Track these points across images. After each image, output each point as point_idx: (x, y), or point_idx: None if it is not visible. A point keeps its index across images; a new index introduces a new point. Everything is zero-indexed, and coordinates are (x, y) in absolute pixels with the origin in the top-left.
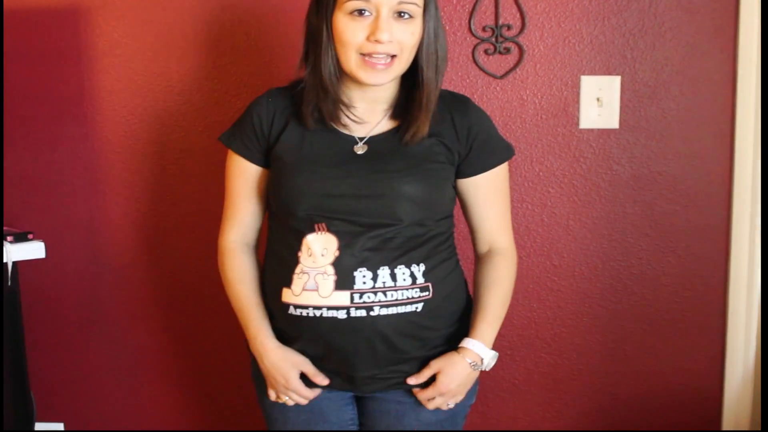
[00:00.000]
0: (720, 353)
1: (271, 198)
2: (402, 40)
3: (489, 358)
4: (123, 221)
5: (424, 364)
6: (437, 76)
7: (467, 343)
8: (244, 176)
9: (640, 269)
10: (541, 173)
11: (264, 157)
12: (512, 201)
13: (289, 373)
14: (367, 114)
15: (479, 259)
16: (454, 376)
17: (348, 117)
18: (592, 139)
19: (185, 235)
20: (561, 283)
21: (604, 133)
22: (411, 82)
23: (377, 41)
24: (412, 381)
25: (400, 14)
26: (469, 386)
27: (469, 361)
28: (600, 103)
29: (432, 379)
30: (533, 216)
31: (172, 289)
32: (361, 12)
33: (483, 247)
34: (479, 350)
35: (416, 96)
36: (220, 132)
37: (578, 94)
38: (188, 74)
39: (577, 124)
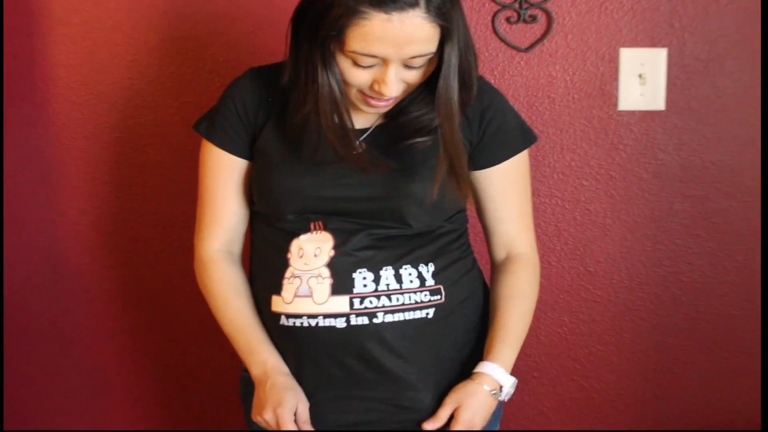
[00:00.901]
0: None
1: (256, 197)
2: (410, 81)
3: (509, 385)
4: (81, 220)
5: (436, 392)
6: (465, 92)
7: (485, 367)
8: (227, 171)
9: (691, 276)
10: (573, 163)
11: (249, 149)
12: (539, 196)
13: (285, 396)
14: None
15: (496, 268)
16: (477, 408)
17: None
18: (633, 122)
19: (155, 235)
20: (597, 292)
21: (647, 116)
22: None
23: (381, 94)
24: (429, 426)
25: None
26: (488, 418)
27: (489, 389)
28: (643, 80)
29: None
30: (564, 214)
31: (143, 298)
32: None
33: (500, 253)
34: (499, 376)
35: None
36: (193, 114)
37: (617, 70)
38: (157, 47)
39: (616, 105)
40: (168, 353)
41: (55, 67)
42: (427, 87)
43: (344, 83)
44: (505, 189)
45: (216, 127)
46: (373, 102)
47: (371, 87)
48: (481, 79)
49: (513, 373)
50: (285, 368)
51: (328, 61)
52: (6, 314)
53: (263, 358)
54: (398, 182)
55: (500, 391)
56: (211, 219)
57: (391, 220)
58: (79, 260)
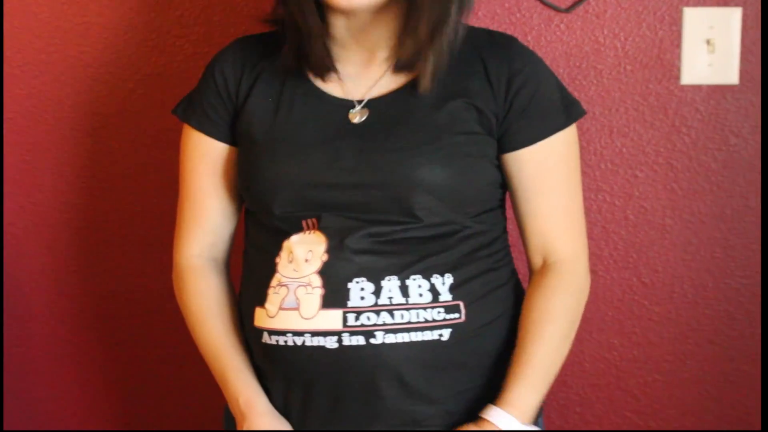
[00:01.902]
0: None
1: (242, 190)
2: None
3: None
4: (29, 227)
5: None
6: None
7: (490, 414)
8: (208, 159)
9: None
10: (624, 150)
11: (232, 130)
12: (583, 190)
13: None
14: (364, 64)
15: (530, 280)
16: None
17: (333, 65)
18: (699, 99)
19: (120, 241)
20: (654, 309)
21: (716, 92)
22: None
23: None
24: None
25: None
26: None
27: None
28: (711, 47)
29: None
30: (614, 212)
31: (108, 325)
32: None
33: (535, 259)
34: (507, 425)
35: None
36: (157, 90)
37: (680, 34)
38: (115, 6)
39: (678, 78)
40: (144, 372)
41: None
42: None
43: None
44: (540, 176)
45: (195, 107)
46: None
47: None
48: (513, 40)
49: (549, 407)
50: (262, 404)
51: None
52: None
53: (236, 391)
54: (404, 163)
55: None
56: (190, 218)
57: (396, 213)
58: (30, 273)
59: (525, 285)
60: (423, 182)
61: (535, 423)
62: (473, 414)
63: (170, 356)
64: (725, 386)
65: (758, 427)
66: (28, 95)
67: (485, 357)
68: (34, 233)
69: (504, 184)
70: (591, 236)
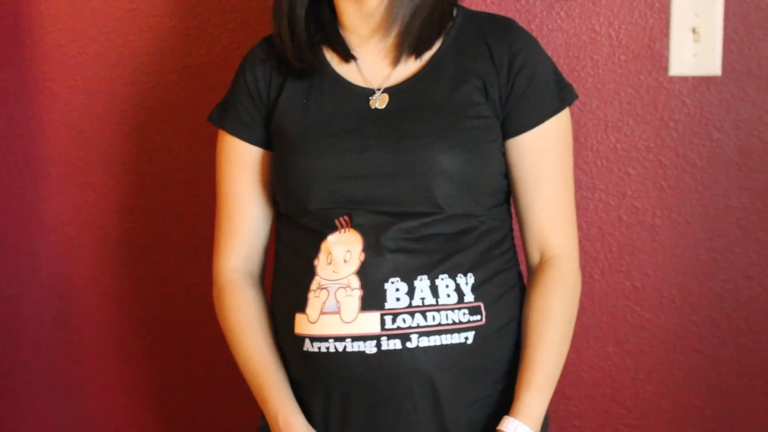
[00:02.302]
0: None
1: (278, 192)
2: None
3: None
4: (71, 219)
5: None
6: None
7: (507, 425)
8: (242, 165)
9: (750, 294)
10: (618, 146)
11: (266, 134)
12: (580, 189)
13: None
14: (385, 52)
15: (530, 277)
16: None
17: (349, 51)
18: (685, 92)
19: (163, 236)
20: (644, 316)
21: (701, 84)
22: None
23: None
24: None
25: None
26: None
27: None
28: (696, 36)
29: None
30: (608, 212)
31: (164, 339)
32: None
33: (534, 254)
34: None
35: None
36: (196, 82)
37: (668, 22)
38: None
39: (667, 69)
40: (175, 365)
41: (41, 17)
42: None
43: None
44: (538, 163)
45: (228, 111)
46: None
47: None
48: (512, 22)
49: (551, 419)
50: (300, 422)
51: None
52: None
53: (275, 409)
54: (426, 150)
55: None
56: (227, 230)
57: (421, 203)
58: (77, 271)
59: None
60: (446, 168)
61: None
62: (492, 422)
63: (212, 363)
64: (709, 396)
65: None
66: (77, 88)
67: (503, 361)
68: (88, 233)
69: (506, 174)
70: (587, 237)
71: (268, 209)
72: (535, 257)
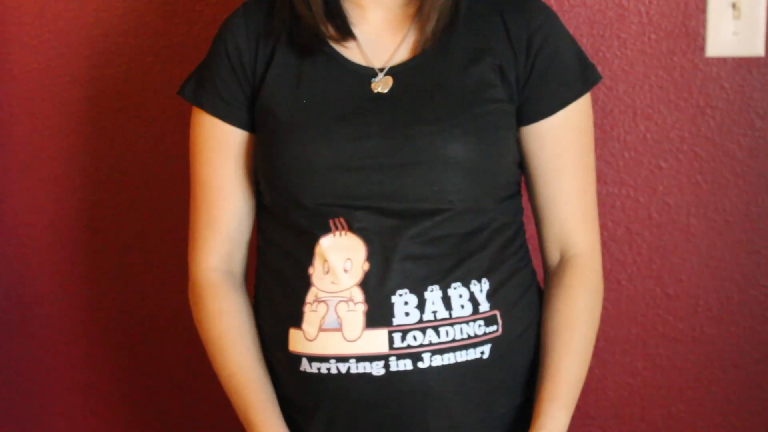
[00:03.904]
0: None
1: (263, 181)
2: None
3: None
4: (38, 219)
5: None
6: None
7: None
8: (223, 150)
9: None
10: (648, 135)
11: (250, 114)
12: (606, 184)
13: None
14: (387, 27)
15: (548, 278)
16: None
17: (348, 29)
18: (724, 75)
19: (135, 234)
20: (678, 325)
21: (742, 65)
22: None
23: None
24: None
25: None
26: None
27: None
28: (737, 12)
29: None
30: (637, 209)
31: (126, 338)
32: None
33: (553, 253)
34: None
35: None
36: (180, 59)
37: None
38: None
39: (703, 49)
40: (153, 395)
41: None
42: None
43: None
44: (560, 153)
45: (205, 86)
46: None
47: None
48: None
49: None
50: None
51: None
52: None
53: (258, 424)
54: (436, 138)
55: None
56: (205, 222)
57: (429, 199)
58: (38, 274)
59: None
60: (457, 158)
61: None
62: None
63: (188, 369)
64: (750, 418)
65: None
66: (44, 71)
67: (520, 374)
68: (51, 233)
69: (519, 163)
70: (613, 238)
71: (252, 200)
72: (554, 256)
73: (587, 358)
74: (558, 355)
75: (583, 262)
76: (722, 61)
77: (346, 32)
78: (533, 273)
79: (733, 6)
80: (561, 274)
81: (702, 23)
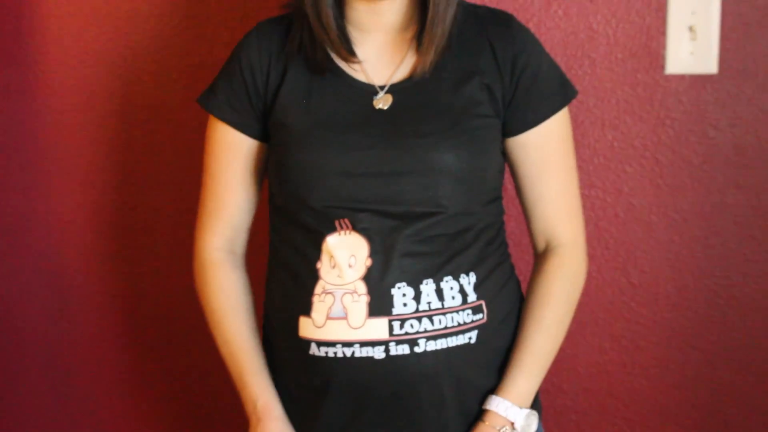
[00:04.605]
0: None
1: (275, 185)
2: None
3: (521, 419)
4: (76, 213)
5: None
6: None
7: (491, 403)
8: (232, 153)
9: (745, 291)
10: (615, 143)
11: (260, 125)
12: (580, 185)
13: None
14: (386, 50)
15: (534, 263)
16: None
17: (352, 50)
18: (682, 90)
19: (165, 235)
20: (641, 311)
21: (697, 82)
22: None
23: None
24: None
25: None
26: None
27: (498, 429)
28: (693, 34)
29: None
30: (605, 208)
31: (153, 317)
32: None
33: (539, 244)
34: (506, 412)
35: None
36: (200, 79)
37: (665, 20)
38: None
39: (663, 67)
40: (173, 361)
41: (44, 18)
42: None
43: None
44: (545, 159)
45: (219, 97)
46: None
47: None
48: (512, 17)
49: (546, 414)
50: (277, 408)
51: None
52: None
53: (254, 394)
54: (431, 150)
55: (512, 428)
56: (212, 210)
57: (425, 203)
58: (76, 264)
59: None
60: (449, 167)
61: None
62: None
63: (210, 356)
64: (704, 392)
65: None
66: (80, 87)
67: (502, 355)
68: (89, 231)
69: (503, 171)
70: (585, 234)
71: (254, 195)
72: (541, 246)
73: (558, 335)
74: (528, 330)
75: (564, 252)
76: (680, 78)
77: (351, 53)
78: (512, 267)
79: (690, 29)
80: (543, 261)
81: (662, 44)
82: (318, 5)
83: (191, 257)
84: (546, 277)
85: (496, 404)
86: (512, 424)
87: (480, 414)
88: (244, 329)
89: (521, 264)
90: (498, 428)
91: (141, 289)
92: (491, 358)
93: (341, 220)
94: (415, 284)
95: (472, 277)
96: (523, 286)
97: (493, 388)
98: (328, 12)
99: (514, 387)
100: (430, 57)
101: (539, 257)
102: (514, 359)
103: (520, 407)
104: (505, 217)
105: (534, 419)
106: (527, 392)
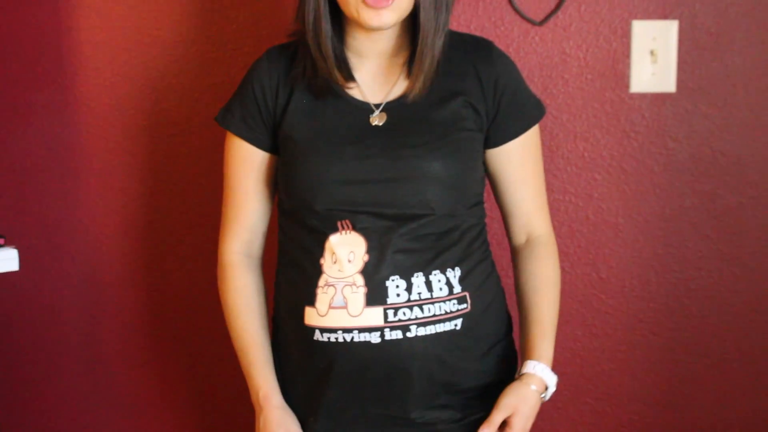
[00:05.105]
0: None
1: (284, 192)
2: None
3: (553, 385)
4: (110, 220)
5: (461, 402)
6: (437, 13)
7: (532, 367)
8: (247, 165)
9: (700, 284)
10: (585, 153)
11: (271, 140)
12: (553, 191)
13: None
14: (381, 72)
15: (518, 253)
16: (529, 414)
17: (351, 74)
18: (644, 106)
19: (189, 240)
20: (608, 302)
21: (658, 99)
22: None
23: None
24: (484, 430)
25: None
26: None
27: (537, 391)
28: (654, 57)
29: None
30: (577, 212)
31: (179, 313)
32: None
33: (520, 237)
34: (546, 375)
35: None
36: (221, 97)
37: (629, 45)
38: (180, 21)
39: (628, 86)
40: (195, 352)
41: (81, 44)
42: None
43: None
44: (523, 166)
45: (234, 114)
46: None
47: None
48: (492, 44)
49: None
50: (277, 398)
51: None
52: (30, 329)
53: (257, 385)
54: (421, 159)
55: (546, 391)
56: (232, 216)
57: (415, 205)
58: (106, 269)
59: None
60: (437, 174)
61: None
62: (474, 387)
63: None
64: (664, 372)
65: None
66: (114, 106)
67: (485, 339)
68: (118, 235)
69: (484, 179)
70: (559, 235)
71: (268, 203)
72: (521, 239)
73: (558, 307)
74: (539, 305)
75: (546, 241)
76: (642, 96)
77: (349, 77)
78: (493, 264)
79: (651, 53)
80: (531, 248)
81: (627, 66)
82: (318, 39)
83: (214, 260)
84: (540, 260)
85: (535, 367)
86: (546, 386)
87: (464, 392)
88: (254, 327)
89: (502, 262)
90: (534, 387)
91: (167, 289)
92: (474, 343)
93: (343, 221)
94: (407, 277)
95: (458, 272)
96: (504, 281)
97: (476, 370)
98: (328, 44)
99: (545, 352)
100: (420, 84)
101: (522, 248)
102: (537, 330)
103: (551, 370)
104: (487, 220)
105: (555, 386)
106: (552, 358)
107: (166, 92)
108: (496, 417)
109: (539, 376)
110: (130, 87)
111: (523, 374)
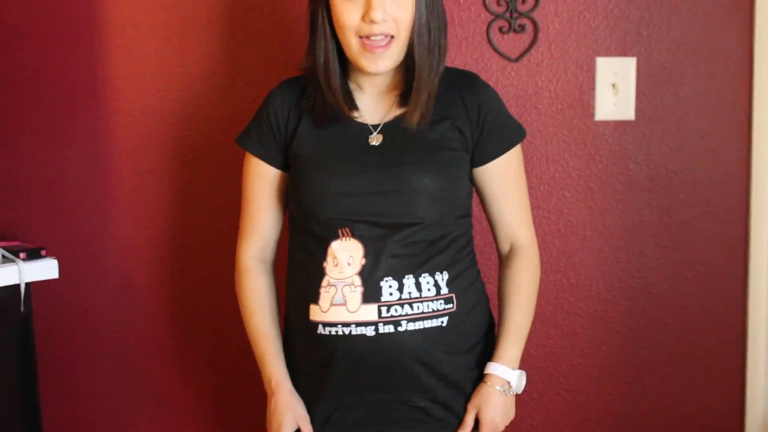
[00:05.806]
0: (740, 388)
1: (293, 203)
2: (397, 17)
3: (515, 379)
4: (134, 234)
5: (450, 390)
6: (431, 55)
7: (490, 368)
8: (262, 181)
9: (658, 288)
10: (556, 174)
11: (283, 158)
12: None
13: (284, 420)
14: (378, 100)
15: (502, 262)
16: (495, 409)
17: (355, 104)
18: (607, 132)
19: (211, 249)
20: (578, 304)
21: (620, 126)
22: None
23: (372, 21)
24: None
25: None
26: (511, 412)
27: (500, 388)
28: (615, 89)
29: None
30: (549, 225)
31: (201, 314)
32: None
33: (504, 246)
34: (503, 373)
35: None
36: (235, 124)
37: (594, 79)
38: (200, 58)
39: (593, 115)
40: (216, 348)
41: (114, 80)
42: (412, 84)
43: (343, 32)
44: (505, 182)
45: (251, 137)
46: (370, 44)
47: (363, 20)
48: (476, 76)
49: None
50: (287, 384)
51: (324, 15)
52: (68, 332)
53: (269, 373)
54: (413, 174)
55: (510, 386)
56: (248, 226)
57: (408, 215)
58: (132, 277)
59: (487, 281)
60: (426, 188)
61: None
62: (462, 377)
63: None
64: (627, 366)
65: (651, 401)
66: (142, 133)
67: (470, 337)
68: (146, 246)
69: (471, 194)
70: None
71: (280, 214)
72: (506, 247)
73: (531, 312)
74: (509, 310)
75: (525, 251)
76: (606, 123)
77: (353, 107)
78: (478, 271)
79: (613, 86)
80: (511, 258)
81: (592, 97)
82: (328, 76)
83: (232, 267)
84: (516, 270)
85: (494, 368)
86: (509, 383)
87: (449, 383)
88: (266, 323)
89: (487, 270)
90: (498, 387)
91: (191, 293)
92: (458, 339)
93: (343, 229)
94: (399, 278)
95: (445, 275)
96: (488, 288)
97: (460, 363)
98: (336, 81)
99: (506, 354)
100: (417, 115)
101: (506, 257)
102: (503, 333)
103: (513, 369)
104: (473, 232)
105: (523, 378)
106: (516, 357)
107: (189, 122)
108: (467, 418)
109: (497, 375)
110: (157, 117)
111: (485, 375)
